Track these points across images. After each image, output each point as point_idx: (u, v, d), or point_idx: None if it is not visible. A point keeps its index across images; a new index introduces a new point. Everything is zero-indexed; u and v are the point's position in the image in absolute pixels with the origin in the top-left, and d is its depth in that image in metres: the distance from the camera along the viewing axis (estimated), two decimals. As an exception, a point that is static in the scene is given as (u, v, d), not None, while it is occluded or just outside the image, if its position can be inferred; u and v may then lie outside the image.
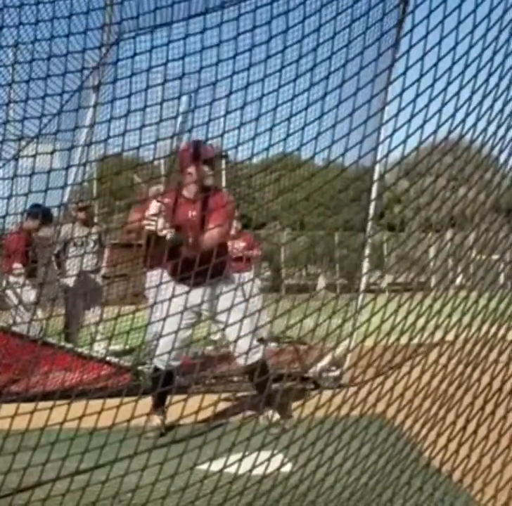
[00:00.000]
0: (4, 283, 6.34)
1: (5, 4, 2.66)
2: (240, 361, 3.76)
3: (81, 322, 6.66)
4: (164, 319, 2.78)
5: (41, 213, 5.66)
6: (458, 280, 2.45)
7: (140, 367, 4.89)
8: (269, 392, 3.12)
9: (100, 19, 4.08)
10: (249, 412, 3.40)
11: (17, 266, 6.23)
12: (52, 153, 2.69)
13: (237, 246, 6.73)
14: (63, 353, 4.67)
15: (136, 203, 3.99)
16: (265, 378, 3.37)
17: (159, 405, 3.84)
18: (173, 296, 2.83)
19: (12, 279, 6.22)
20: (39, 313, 5.78)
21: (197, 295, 3.44)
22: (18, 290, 6.11)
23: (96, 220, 7.37)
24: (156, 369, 3.88)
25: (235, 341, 3.07)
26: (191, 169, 3.83)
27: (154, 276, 4.16)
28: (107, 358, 5.05)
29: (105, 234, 7.20)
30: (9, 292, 6.13)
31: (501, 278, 2.41)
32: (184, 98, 2.89)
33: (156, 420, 3.87)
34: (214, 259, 2.75)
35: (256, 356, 3.75)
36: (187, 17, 2.87)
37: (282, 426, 3.30)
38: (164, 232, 3.53)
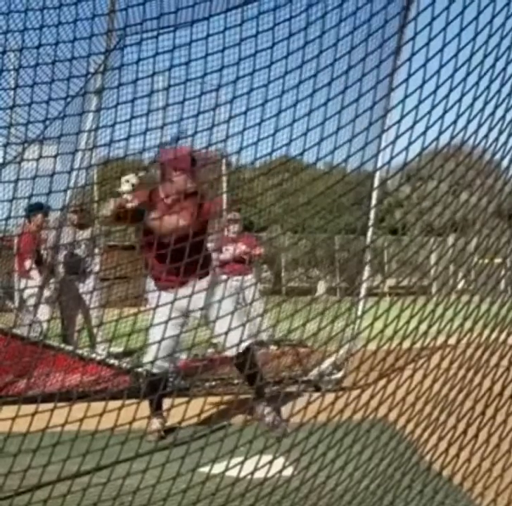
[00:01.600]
0: (21, 285, 6.33)
1: (10, 9, 2.68)
2: (229, 352, 3.73)
3: (81, 324, 6.65)
4: (151, 325, 2.82)
5: (38, 207, 5.71)
6: (460, 285, 2.46)
7: (139, 370, 4.89)
8: (271, 394, 3.12)
9: (103, 24, 4.09)
10: (249, 416, 3.39)
11: (33, 266, 6.23)
12: (55, 157, 2.71)
13: (239, 248, 6.73)
14: (62, 355, 4.66)
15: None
16: (255, 369, 3.36)
17: (157, 409, 3.84)
18: (157, 305, 2.88)
19: (30, 282, 6.18)
20: (40, 316, 5.79)
21: (182, 295, 3.45)
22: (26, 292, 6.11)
23: (95, 222, 7.34)
24: (152, 374, 3.87)
25: (226, 333, 3.03)
26: (173, 178, 3.82)
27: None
28: (105, 360, 5.05)
29: (102, 236, 7.16)
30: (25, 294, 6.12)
31: (503, 283, 2.42)
32: None
33: (155, 424, 3.87)
34: (185, 256, 2.80)
35: (243, 345, 3.69)
36: (191, 21, 2.88)
37: (283, 430, 3.30)
38: (130, 204, 3.64)
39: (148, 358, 3.79)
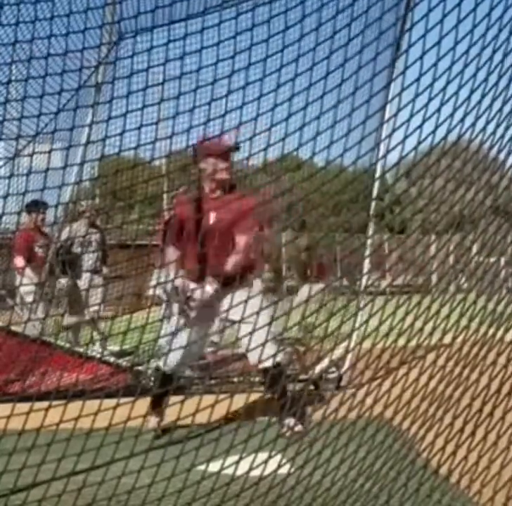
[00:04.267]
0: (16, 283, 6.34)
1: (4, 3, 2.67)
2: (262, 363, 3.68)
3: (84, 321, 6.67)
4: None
5: (39, 204, 5.71)
6: (457, 281, 2.43)
7: (139, 368, 4.88)
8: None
9: (100, 18, 4.07)
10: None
11: (27, 264, 6.25)
12: (49, 152, 2.69)
13: None
14: (61, 353, 4.65)
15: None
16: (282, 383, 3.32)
17: (156, 406, 3.81)
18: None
19: (25, 280, 6.19)
20: (39, 313, 5.77)
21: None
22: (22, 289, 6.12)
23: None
24: (157, 369, 3.84)
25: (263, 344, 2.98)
26: (204, 164, 3.76)
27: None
28: (102, 358, 5.05)
29: (108, 235, 7.24)
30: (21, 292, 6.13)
31: (501, 277, 2.39)
32: None
33: (152, 422, 3.84)
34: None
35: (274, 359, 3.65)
36: (186, 17, 2.87)
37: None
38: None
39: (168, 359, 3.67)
